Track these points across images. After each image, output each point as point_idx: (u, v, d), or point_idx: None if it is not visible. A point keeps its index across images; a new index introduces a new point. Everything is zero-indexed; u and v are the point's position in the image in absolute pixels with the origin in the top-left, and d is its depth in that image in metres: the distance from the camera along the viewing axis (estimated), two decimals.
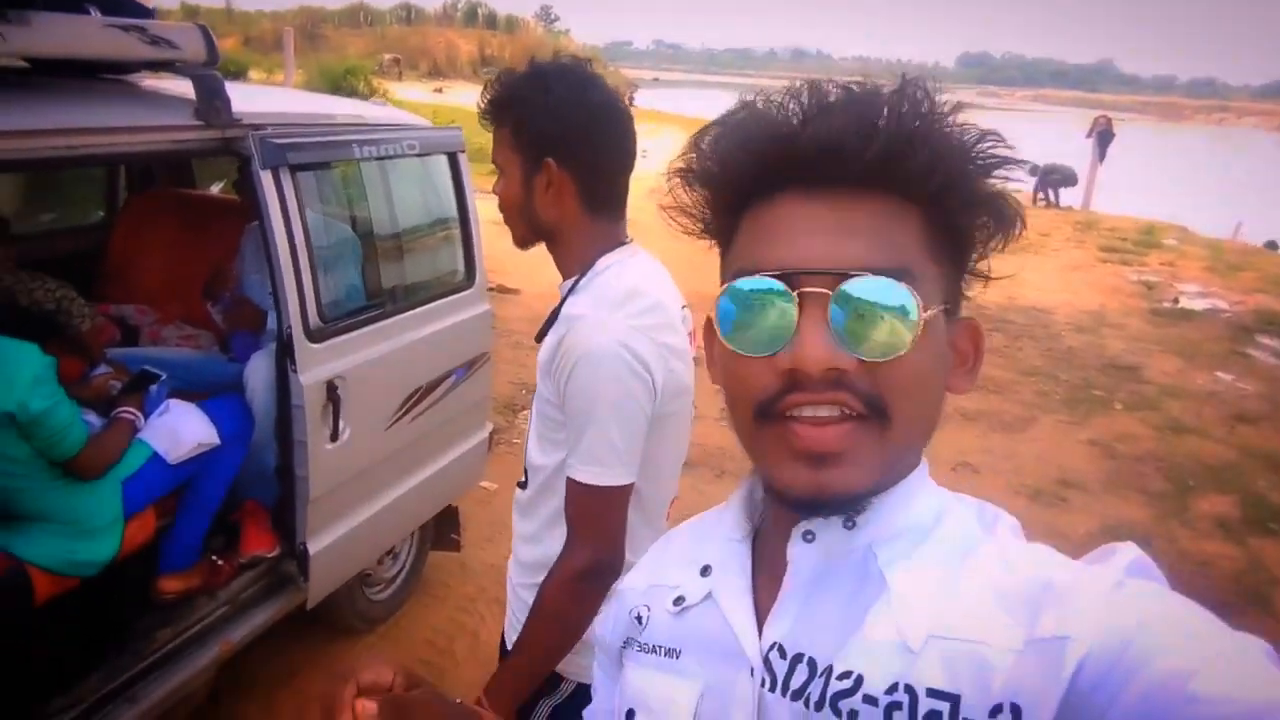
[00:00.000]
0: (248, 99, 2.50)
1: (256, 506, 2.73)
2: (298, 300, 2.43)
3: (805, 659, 0.65)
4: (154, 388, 2.54)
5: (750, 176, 0.66)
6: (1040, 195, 15.95)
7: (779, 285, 0.63)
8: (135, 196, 3.83)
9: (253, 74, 23.79)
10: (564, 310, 1.43)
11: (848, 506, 0.66)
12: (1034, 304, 9.24)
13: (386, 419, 2.81)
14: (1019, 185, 0.70)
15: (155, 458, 2.36)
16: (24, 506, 2.06)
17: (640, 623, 0.78)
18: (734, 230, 0.70)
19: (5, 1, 1.88)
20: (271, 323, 2.67)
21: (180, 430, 2.43)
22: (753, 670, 0.67)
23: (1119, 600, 0.56)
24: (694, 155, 0.71)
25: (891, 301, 0.61)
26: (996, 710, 0.56)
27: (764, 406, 0.64)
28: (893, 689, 0.60)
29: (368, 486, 2.82)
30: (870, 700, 0.60)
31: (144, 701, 2.25)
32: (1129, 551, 0.62)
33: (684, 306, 1.49)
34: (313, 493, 2.55)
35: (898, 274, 0.62)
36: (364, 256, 2.92)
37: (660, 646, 0.75)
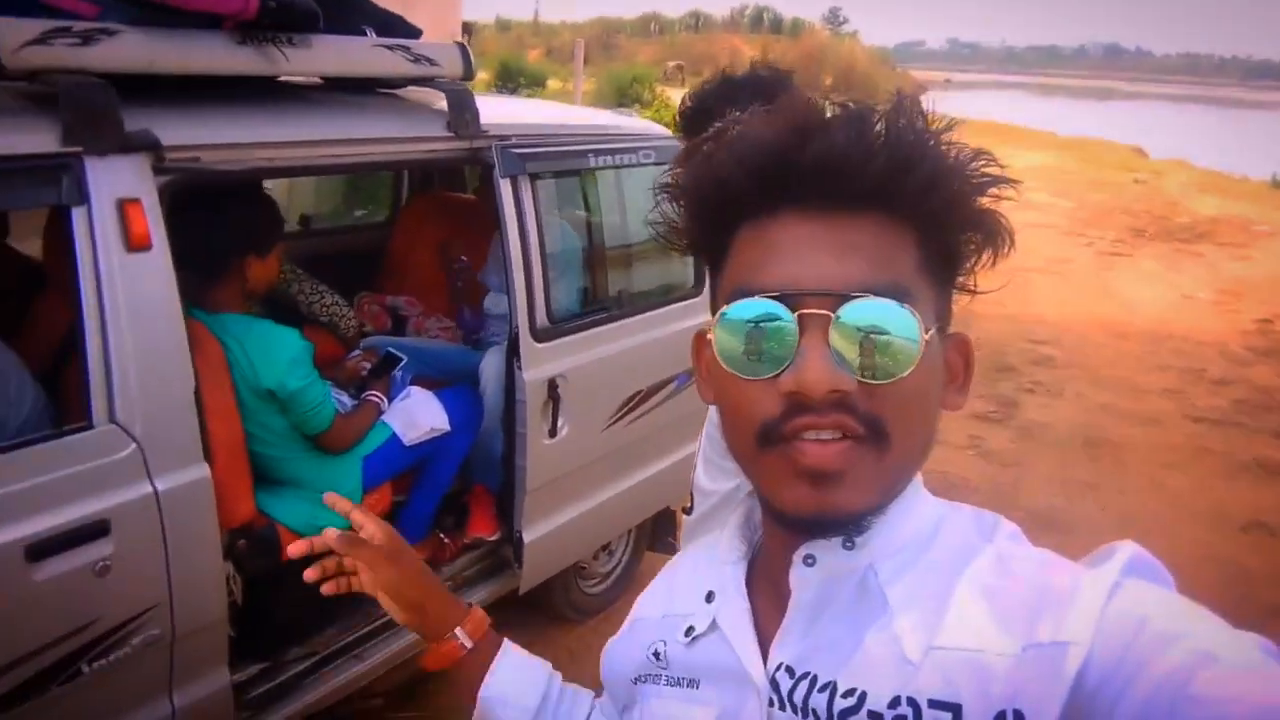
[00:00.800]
0: (497, 111, 2.67)
1: (484, 492, 2.92)
2: (526, 301, 2.57)
3: (810, 677, 0.66)
4: (398, 373, 2.78)
5: (747, 194, 0.66)
6: None
7: (779, 307, 0.63)
8: (414, 198, 4.21)
9: (551, 83, 25.58)
10: None
11: (848, 527, 0.67)
12: None
13: (605, 419, 2.90)
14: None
15: (393, 438, 2.59)
16: (279, 473, 2.34)
17: (659, 659, 0.80)
18: (726, 249, 0.69)
19: (289, 25, 2.13)
20: (501, 307, 2.83)
21: (417, 415, 2.65)
22: (759, 692, 0.69)
23: (1116, 603, 0.56)
24: (683, 172, 0.70)
25: (893, 324, 0.61)
26: (1000, 717, 0.57)
27: (767, 430, 0.64)
28: (895, 703, 0.61)
29: (583, 483, 2.92)
30: (875, 716, 0.62)
31: (368, 660, 2.47)
32: (1127, 550, 0.61)
33: None
34: (530, 484, 2.68)
35: (898, 295, 0.62)
36: (593, 261, 3.03)
37: (683, 679, 0.77)
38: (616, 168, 2.91)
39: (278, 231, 2.42)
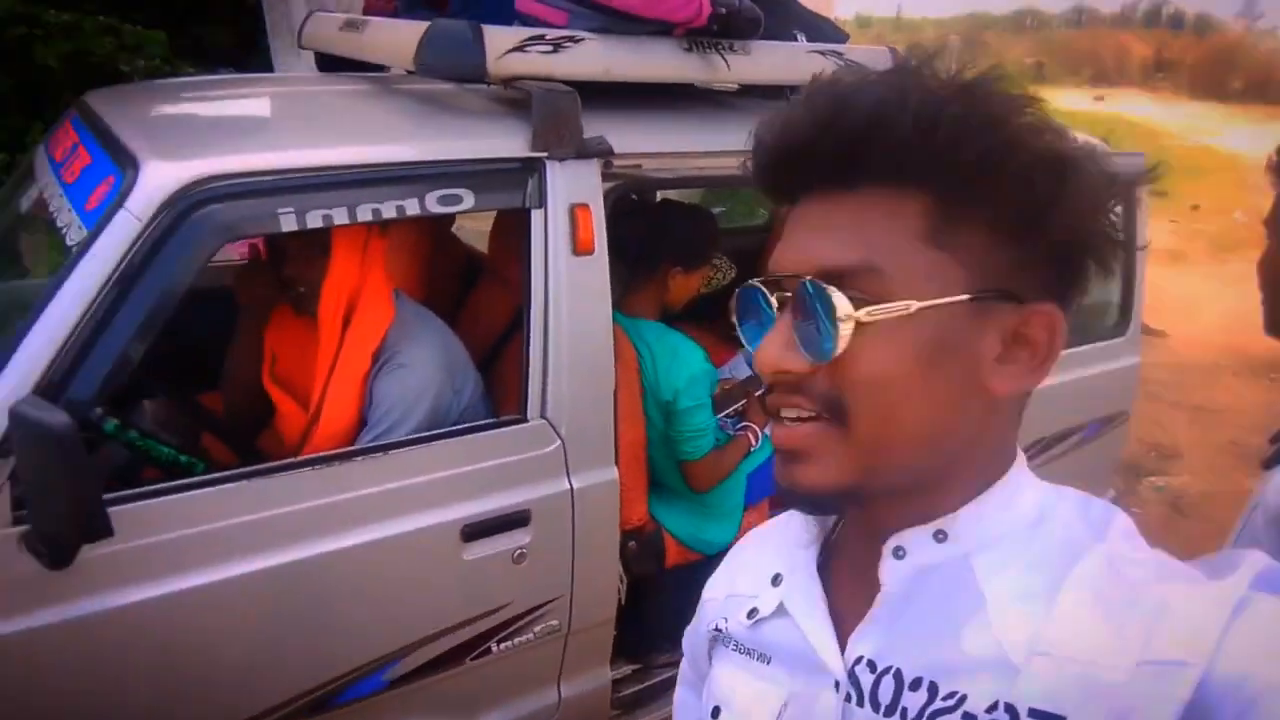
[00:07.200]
0: None
1: None
2: None
3: (894, 672, 0.63)
4: None
5: (777, 188, 0.66)
6: None
7: (759, 291, 0.65)
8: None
9: None
10: None
11: (828, 503, 0.66)
12: None
13: None
14: None
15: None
16: (669, 480, 2.34)
17: (719, 633, 0.78)
18: None
19: (734, 32, 2.10)
20: None
21: None
22: (837, 684, 0.66)
23: (1241, 621, 0.53)
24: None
25: (821, 305, 0.59)
26: None
27: (765, 406, 0.65)
28: (993, 708, 0.57)
29: None
30: (970, 719, 0.58)
31: None
32: (1258, 561, 0.57)
33: None
34: None
35: (848, 274, 0.59)
36: None
37: (752, 650, 0.74)
38: None
39: (710, 250, 2.38)
